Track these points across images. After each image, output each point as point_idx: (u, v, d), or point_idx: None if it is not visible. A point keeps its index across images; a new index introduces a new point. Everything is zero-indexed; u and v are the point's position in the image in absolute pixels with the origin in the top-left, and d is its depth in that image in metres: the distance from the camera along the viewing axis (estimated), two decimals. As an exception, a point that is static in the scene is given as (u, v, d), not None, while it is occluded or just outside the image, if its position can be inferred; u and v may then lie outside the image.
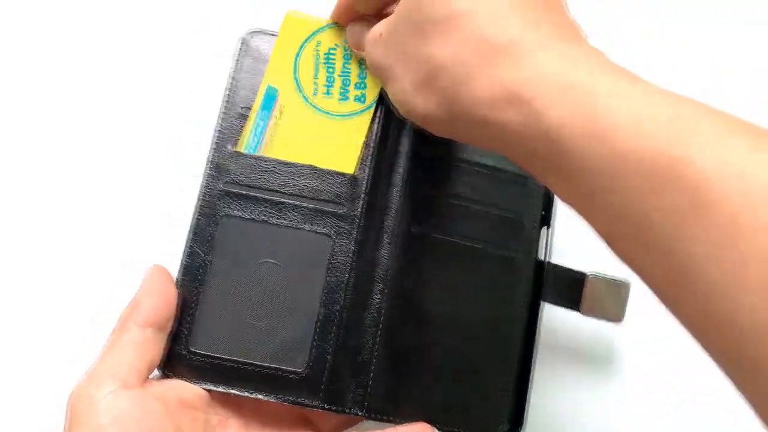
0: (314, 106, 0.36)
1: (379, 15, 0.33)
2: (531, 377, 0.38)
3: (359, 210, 0.35)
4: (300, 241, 0.34)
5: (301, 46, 0.36)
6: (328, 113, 0.36)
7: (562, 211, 0.44)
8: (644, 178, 0.21)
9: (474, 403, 0.35)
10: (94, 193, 0.45)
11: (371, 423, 0.34)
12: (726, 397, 0.47)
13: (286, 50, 0.36)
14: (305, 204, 0.35)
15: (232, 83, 0.36)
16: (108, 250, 0.44)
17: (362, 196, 0.35)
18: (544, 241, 0.39)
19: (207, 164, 0.35)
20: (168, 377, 0.33)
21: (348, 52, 0.36)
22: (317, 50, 0.36)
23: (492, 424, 0.35)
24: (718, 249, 0.19)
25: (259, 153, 0.35)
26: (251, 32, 0.37)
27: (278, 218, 0.34)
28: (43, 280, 0.44)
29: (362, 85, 0.36)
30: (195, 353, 0.33)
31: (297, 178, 0.35)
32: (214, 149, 0.35)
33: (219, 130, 0.35)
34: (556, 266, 0.40)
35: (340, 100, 0.36)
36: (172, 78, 0.47)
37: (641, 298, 0.45)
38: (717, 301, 0.19)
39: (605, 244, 0.24)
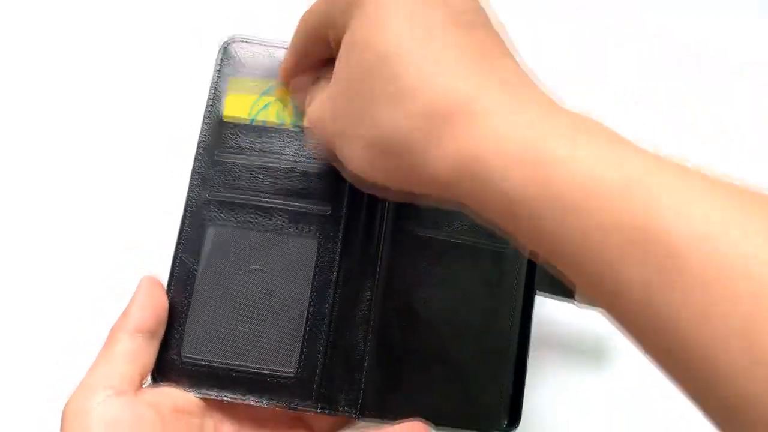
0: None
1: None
2: (526, 371, 0.38)
3: (345, 208, 0.35)
4: (287, 243, 0.34)
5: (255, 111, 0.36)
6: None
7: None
8: (612, 249, 0.20)
9: (470, 399, 0.35)
10: (83, 199, 0.46)
11: (365, 422, 0.34)
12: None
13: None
14: (290, 206, 0.35)
15: (213, 93, 0.36)
16: (101, 253, 0.45)
17: (347, 193, 0.35)
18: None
19: (192, 174, 0.35)
20: (160, 384, 0.33)
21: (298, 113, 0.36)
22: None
23: (489, 419, 0.35)
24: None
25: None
26: (230, 40, 0.37)
27: (264, 223, 0.34)
28: (38, 287, 0.44)
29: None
30: (186, 359, 0.33)
31: (280, 180, 0.35)
32: (198, 158, 0.35)
33: (202, 140, 0.36)
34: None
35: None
36: (160, 82, 0.48)
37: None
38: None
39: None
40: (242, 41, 0.37)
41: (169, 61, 0.49)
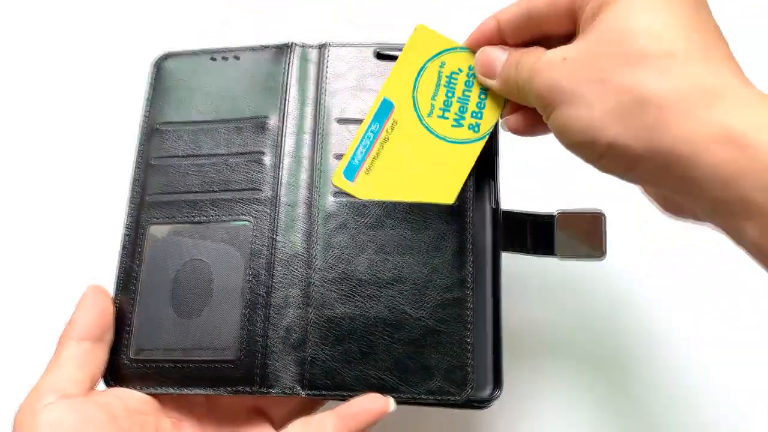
0: (427, 127, 0.35)
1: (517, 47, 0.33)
2: (501, 331, 0.34)
3: (273, 189, 0.34)
4: (222, 233, 0.34)
5: (425, 64, 0.35)
6: (439, 136, 0.35)
7: (514, 159, 0.42)
8: None
9: (432, 366, 0.32)
10: (36, 212, 0.50)
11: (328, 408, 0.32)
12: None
13: (410, 65, 0.35)
14: (221, 196, 0.35)
15: (148, 105, 0.38)
16: (52, 263, 0.48)
17: (274, 174, 0.35)
18: (494, 189, 0.37)
19: (131, 180, 0.36)
20: (113, 387, 0.33)
21: (470, 79, 0.35)
22: (440, 71, 0.35)
23: (458, 386, 0.32)
24: None
25: (366, 164, 0.35)
26: (163, 55, 0.39)
27: (199, 216, 0.34)
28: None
29: (479, 115, 0.35)
30: (135, 360, 0.33)
31: (211, 174, 0.35)
32: (137, 165, 0.36)
33: (139, 149, 0.37)
34: (514, 213, 0.37)
35: (453, 125, 0.35)
36: (103, 96, 0.53)
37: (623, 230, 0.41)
38: None
39: None
40: (173, 56, 0.39)
41: (112, 76, 0.53)
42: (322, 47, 0.38)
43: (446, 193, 0.34)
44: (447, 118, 0.35)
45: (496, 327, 0.34)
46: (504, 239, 0.36)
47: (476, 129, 0.35)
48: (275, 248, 0.34)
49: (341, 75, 0.37)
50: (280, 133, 0.36)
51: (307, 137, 0.36)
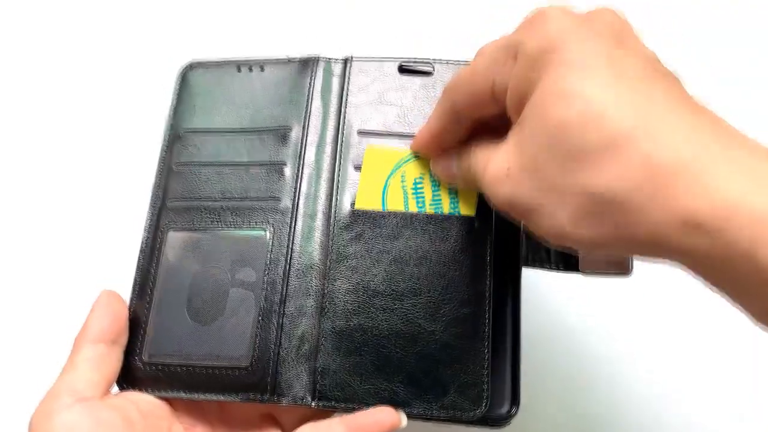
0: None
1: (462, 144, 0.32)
2: (520, 349, 0.33)
3: (293, 200, 0.35)
4: (240, 241, 0.34)
5: (387, 180, 0.35)
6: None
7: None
8: None
9: (446, 381, 0.31)
10: (58, 216, 0.50)
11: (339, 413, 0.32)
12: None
13: (372, 186, 0.35)
14: (241, 205, 0.35)
15: (173, 112, 0.38)
16: (72, 266, 0.49)
17: (294, 185, 0.35)
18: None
19: (153, 186, 0.36)
20: (127, 390, 0.33)
21: (435, 181, 0.35)
22: (403, 184, 0.35)
23: (473, 402, 0.31)
24: None
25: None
26: (189, 65, 0.39)
27: (218, 223, 0.35)
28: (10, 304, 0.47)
29: (456, 209, 0.34)
30: (149, 364, 0.33)
31: (232, 182, 0.35)
32: (159, 172, 0.37)
33: (162, 155, 0.37)
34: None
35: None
36: (131, 104, 0.54)
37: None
38: None
39: None
40: (199, 66, 0.39)
41: (139, 83, 0.54)
42: (346, 61, 0.38)
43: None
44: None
45: (515, 343, 0.34)
46: (526, 254, 0.36)
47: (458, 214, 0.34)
48: (292, 258, 0.34)
49: (364, 88, 0.37)
50: (301, 144, 0.36)
51: (328, 149, 0.36)
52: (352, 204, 0.34)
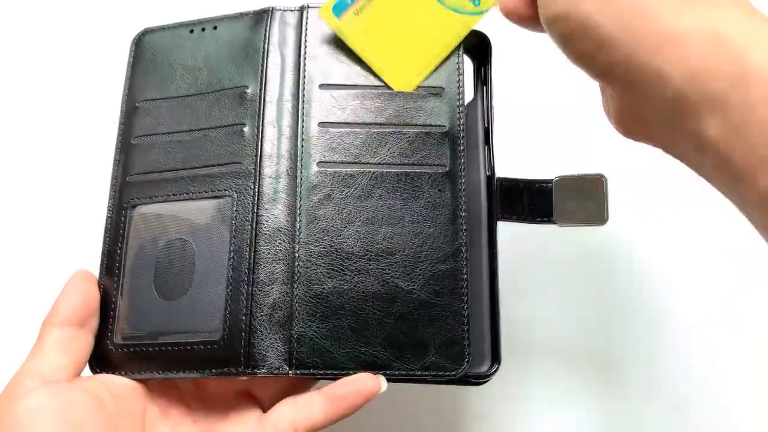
0: None
1: None
2: (498, 303, 0.33)
3: (255, 162, 0.33)
4: (204, 210, 0.33)
5: None
6: None
7: (509, 127, 0.40)
8: None
9: (426, 340, 0.31)
10: (21, 200, 0.49)
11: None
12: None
13: None
14: (203, 173, 0.33)
15: (128, 84, 0.36)
16: (37, 250, 0.47)
17: (255, 146, 0.33)
18: (488, 156, 0.35)
19: (113, 161, 0.35)
20: (99, 373, 0.32)
21: None
22: None
23: (454, 361, 0.30)
24: None
25: (357, 5, 0.33)
26: (142, 32, 0.38)
27: (180, 194, 0.33)
28: None
29: None
30: (119, 345, 0.32)
31: (192, 150, 0.34)
32: (119, 148, 0.35)
33: (121, 129, 0.36)
34: (510, 179, 0.35)
35: None
36: (83, 79, 0.52)
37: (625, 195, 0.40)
38: None
39: None
40: (151, 32, 0.37)
41: (91, 57, 0.52)
42: (302, 9, 0.36)
43: (408, 79, 0.33)
44: None
45: (493, 299, 0.33)
46: (500, 207, 0.35)
47: (477, 2, 0.33)
48: (258, 223, 0.32)
49: (323, 38, 0.35)
50: (259, 102, 0.34)
51: (288, 105, 0.34)
52: (318, 162, 0.33)
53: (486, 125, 0.36)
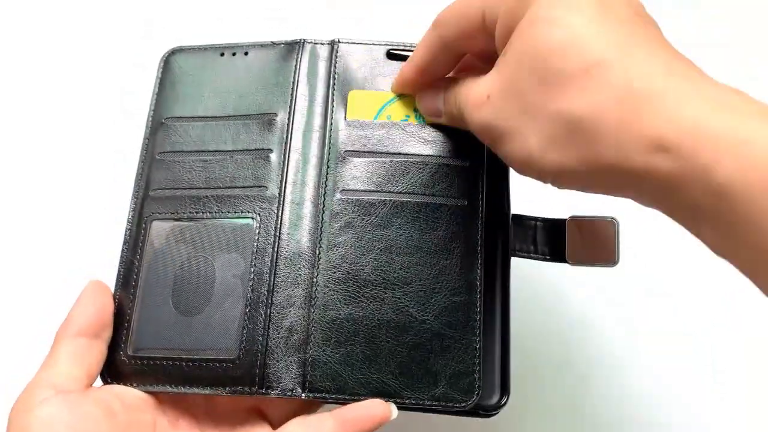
0: None
1: (446, 78, 0.33)
2: (509, 337, 0.33)
3: (279, 187, 0.34)
4: (226, 230, 0.33)
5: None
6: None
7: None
8: None
9: (438, 371, 0.31)
10: (41, 208, 0.49)
11: (328, 409, 0.31)
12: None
13: None
14: (226, 193, 0.34)
15: (156, 99, 0.37)
16: (80, 240, 0.48)
17: (280, 172, 0.34)
18: (505, 192, 0.36)
19: (136, 175, 0.36)
20: (111, 384, 0.32)
21: (421, 121, 0.35)
22: None
23: (464, 393, 0.31)
24: None
25: None
26: (172, 50, 0.38)
27: (202, 212, 0.34)
28: None
29: None
30: (134, 357, 0.32)
31: (216, 170, 0.35)
32: (142, 162, 0.36)
33: (145, 143, 0.36)
34: (525, 216, 0.36)
35: None
36: (110, 93, 0.53)
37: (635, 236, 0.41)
38: None
39: None
40: (181, 52, 0.38)
41: (164, 35, 0.53)
42: (332, 44, 0.37)
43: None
44: None
45: (504, 332, 0.33)
46: (514, 243, 0.35)
47: None
48: (279, 246, 0.33)
49: (351, 73, 0.36)
50: (287, 130, 0.35)
51: (315, 135, 0.35)
52: (342, 190, 0.34)
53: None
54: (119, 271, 0.34)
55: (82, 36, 0.54)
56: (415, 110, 0.35)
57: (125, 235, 0.34)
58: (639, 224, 0.44)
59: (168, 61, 0.38)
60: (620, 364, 0.44)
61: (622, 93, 0.23)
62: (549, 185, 0.28)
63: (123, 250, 0.34)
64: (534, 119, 0.26)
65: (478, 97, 0.29)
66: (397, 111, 0.35)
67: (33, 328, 0.44)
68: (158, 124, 0.36)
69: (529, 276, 0.45)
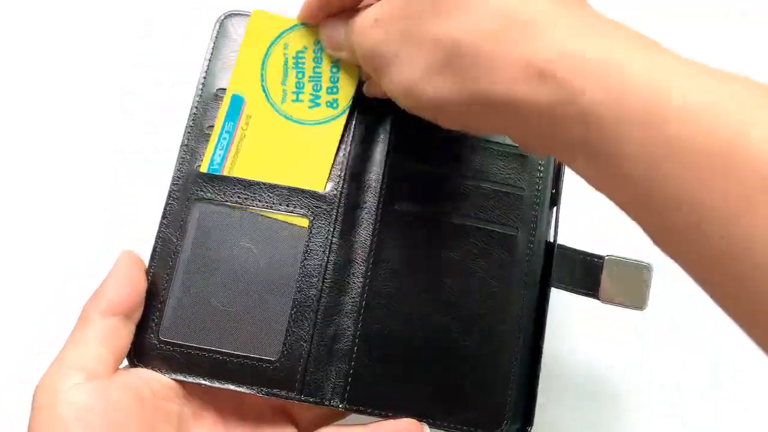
0: (283, 114, 0.33)
1: (353, 9, 0.31)
2: (539, 369, 0.34)
3: (339, 188, 0.33)
4: (279, 224, 0.32)
5: (268, 49, 0.34)
6: (298, 121, 0.33)
7: (572, 192, 0.41)
8: (699, 165, 0.19)
9: (471, 396, 0.31)
10: (70, 173, 0.47)
11: (355, 417, 0.31)
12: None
13: (253, 53, 0.34)
14: (281, 184, 0.33)
15: (207, 66, 0.35)
16: (80, 240, 0.45)
17: (341, 173, 0.33)
18: (551, 221, 0.36)
19: (180, 146, 0.33)
20: (138, 367, 0.31)
21: (318, 54, 0.33)
22: (285, 53, 0.34)
23: (493, 419, 0.31)
24: None
25: (225, 168, 0.33)
26: (228, 14, 0.36)
27: (252, 200, 0.32)
28: (14, 260, 0.45)
29: (334, 90, 0.33)
30: (165, 342, 0.31)
31: None
32: (188, 131, 0.34)
33: (193, 112, 0.34)
34: (567, 248, 0.36)
35: (310, 107, 0.33)
36: (154, 57, 0.49)
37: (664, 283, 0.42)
38: None
39: (648, 234, 0.22)
40: (239, 15, 0.36)
41: (164, 35, 0.49)
42: None
43: (315, 180, 0.33)
44: (302, 101, 0.33)
45: (535, 363, 0.34)
46: (554, 273, 0.36)
47: (335, 105, 0.34)
48: (332, 251, 0.32)
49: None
50: (350, 126, 0.34)
51: (381, 137, 0.34)
52: (399, 202, 0.33)
53: (554, 188, 0.36)
54: (155, 246, 0.32)
55: (82, 36, 0.50)
56: (317, 42, 0.33)
57: (165, 208, 0.32)
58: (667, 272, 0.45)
59: (223, 25, 0.35)
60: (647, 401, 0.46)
61: (500, 18, 0.23)
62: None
63: (161, 224, 0.32)
64: (418, 45, 0.25)
65: (367, 21, 0.28)
66: (297, 40, 0.34)
67: (33, 328, 0.43)
68: (210, 96, 0.34)
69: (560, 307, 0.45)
